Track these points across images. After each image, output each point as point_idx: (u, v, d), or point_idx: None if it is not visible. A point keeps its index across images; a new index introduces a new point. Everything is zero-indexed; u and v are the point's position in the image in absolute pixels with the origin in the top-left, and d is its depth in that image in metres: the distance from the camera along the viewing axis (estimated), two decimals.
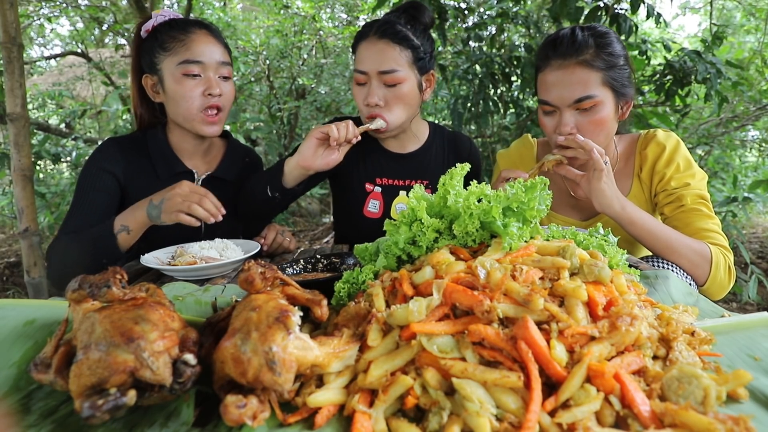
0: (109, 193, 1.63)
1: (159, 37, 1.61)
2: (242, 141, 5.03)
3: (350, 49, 6.29)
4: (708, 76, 2.96)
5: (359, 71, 1.66)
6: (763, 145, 5.14)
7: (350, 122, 1.58)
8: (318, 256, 1.18)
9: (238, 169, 1.83)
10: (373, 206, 1.83)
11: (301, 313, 0.66)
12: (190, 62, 1.57)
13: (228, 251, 1.41)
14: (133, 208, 1.45)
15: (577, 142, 1.42)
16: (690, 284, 1.39)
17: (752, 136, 5.27)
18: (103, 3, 6.20)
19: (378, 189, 1.83)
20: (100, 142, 4.64)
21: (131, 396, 0.58)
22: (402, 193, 1.83)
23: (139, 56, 1.69)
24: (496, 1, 3.58)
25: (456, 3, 3.68)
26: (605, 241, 0.97)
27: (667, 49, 3.26)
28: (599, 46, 1.47)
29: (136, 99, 1.75)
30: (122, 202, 1.67)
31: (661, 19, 2.99)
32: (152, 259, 1.39)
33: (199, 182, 1.73)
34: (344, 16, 6.64)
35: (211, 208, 1.38)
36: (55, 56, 7.23)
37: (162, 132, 1.72)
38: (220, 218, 1.40)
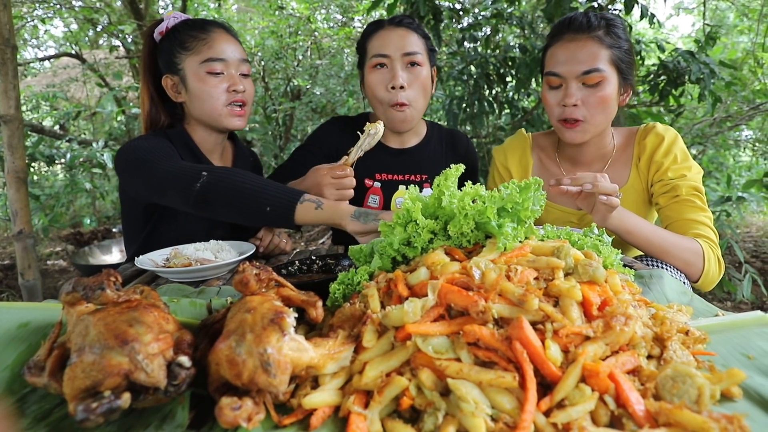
0: None
1: (178, 37, 1.62)
2: None
3: (345, 51, 6.30)
4: (701, 76, 2.98)
5: (381, 55, 1.69)
6: (757, 144, 5.17)
7: (345, 173, 1.51)
8: (313, 258, 1.17)
9: (249, 166, 1.88)
10: (373, 201, 1.85)
11: (296, 315, 0.66)
12: (213, 60, 1.59)
13: (223, 253, 1.41)
14: (327, 202, 1.34)
15: (599, 187, 1.31)
16: (684, 283, 1.41)
17: (746, 136, 5.30)
18: (97, 4, 6.18)
19: (377, 184, 1.85)
20: (95, 144, 4.63)
21: (125, 399, 0.58)
22: (401, 187, 1.84)
23: (152, 59, 1.70)
24: (490, 2, 3.59)
25: (451, 4, 3.68)
26: (600, 241, 0.97)
27: (661, 49, 3.28)
28: (609, 27, 1.55)
29: (147, 101, 1.74)
30: None
31: (654, 20, 3.00)
32: (147, 261, 1.38)
33: None
34: (339, 17, 6.64)
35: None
36: (49, 57, 7.20)
37: (184, 131, 1.72)
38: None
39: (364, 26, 1.91)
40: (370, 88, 1.74)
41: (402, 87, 1.68)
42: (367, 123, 1.46)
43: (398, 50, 1.67)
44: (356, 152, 1.48)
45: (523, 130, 1.89)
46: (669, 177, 1.56)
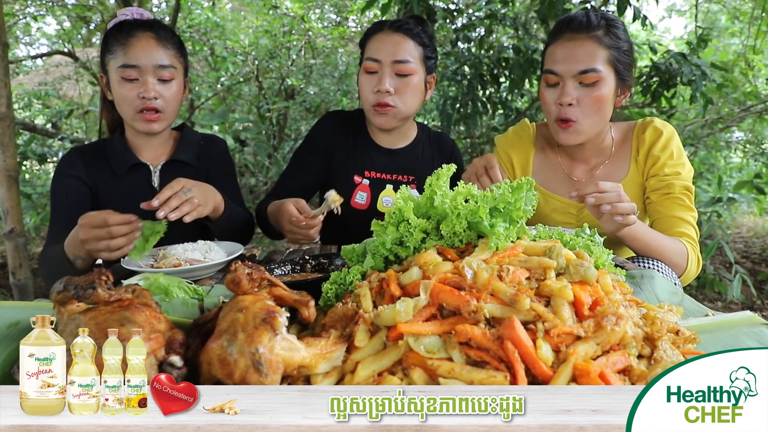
0: (79, 197, 1.69)
1: (107, 40, 1.64)
2: (230, 142, 5.00)
3: (339, 51, 6.30)
4: (693, 78, 2.99)
5: (372, 59, 1.74)
6: (747, 146, 5.20)
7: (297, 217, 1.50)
8: (306, 257, 1.18)
9: (194, 152, 1.83)
10: (360, 198, 1.88)
11: (289, 314, 0.66)
12: (127, 66, 1.59)
13: (212, 253, 1.41)
14: (75, 239, 1.38)
15: (618, 208, 1.30)
16: (675, 284, 1.42)
17: (737, 138, 5.33)
18: (90, 2, 6.14)
19: (366, 182, 1.88)
20: (87, 143, 4.60)
21: None
22: (389, 186, 1.88)
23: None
24: (484, 3, 3.59)
25: (445, 4, 3.69)
26: (591, 241, 0.97)
27: (654, 51, 3.30)
28: (609, 27, 1.56)
29: (101, 102, 1.79)
30: (94, 205, 1.72)
31: (647, 22, 3.02)
32: (134, 262, 1.37)
33: (157, 172, 1.75)
34: (333, 16, 6.62)
35: (122, 230, 1.28)
36: (41, 55, 7.13)
37: (119, 132, 1.77)
38: (137, 224, 1.30)
39: (359, 26, 1.92)
40: (360, 88, 1.81)
41: (387, 92, 1.72)
42: (332, 193, 1.42)
43: (389, 57, 1.71)
44: (319, 212, 1.47)
45: (527, 120, 1.90)
46: (665, 173, 1.60)
